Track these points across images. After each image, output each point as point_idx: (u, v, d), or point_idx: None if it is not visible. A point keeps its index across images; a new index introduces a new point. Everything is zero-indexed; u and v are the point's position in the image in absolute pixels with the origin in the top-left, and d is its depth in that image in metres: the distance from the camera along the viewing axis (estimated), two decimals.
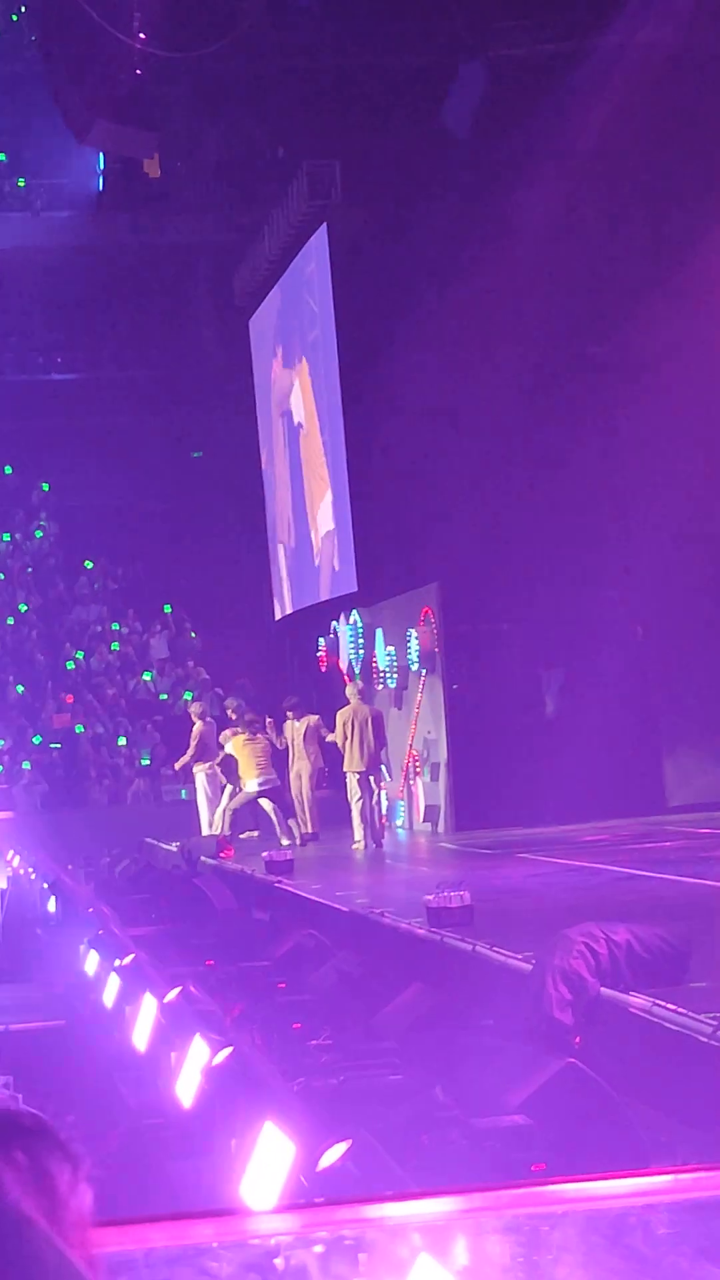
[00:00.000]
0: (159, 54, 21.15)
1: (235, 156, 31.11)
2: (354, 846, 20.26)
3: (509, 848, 17.81)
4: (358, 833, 20.35)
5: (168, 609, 32.12)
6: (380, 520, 23.59)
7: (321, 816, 21.83)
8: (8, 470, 34.35)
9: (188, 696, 29.92)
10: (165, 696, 30.70)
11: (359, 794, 20.34)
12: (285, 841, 20.85)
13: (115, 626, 32.19)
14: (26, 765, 28.68)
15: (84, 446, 33.15)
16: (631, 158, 20.77)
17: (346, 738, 20.23)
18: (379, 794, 21.02)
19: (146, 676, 31.05)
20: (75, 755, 29.16)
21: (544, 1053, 6.98)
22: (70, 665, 31.09)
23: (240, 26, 22.25)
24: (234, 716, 22.29)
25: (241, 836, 21.37)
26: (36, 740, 29.39)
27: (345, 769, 20.41)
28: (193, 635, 32.04)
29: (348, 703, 20.86)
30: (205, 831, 22.00)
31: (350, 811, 20.60)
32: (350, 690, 21.44)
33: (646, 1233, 1.82)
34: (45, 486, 34.43)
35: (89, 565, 33.45)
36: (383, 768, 21.44)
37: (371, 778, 20.49)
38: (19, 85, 29.91)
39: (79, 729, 29.48)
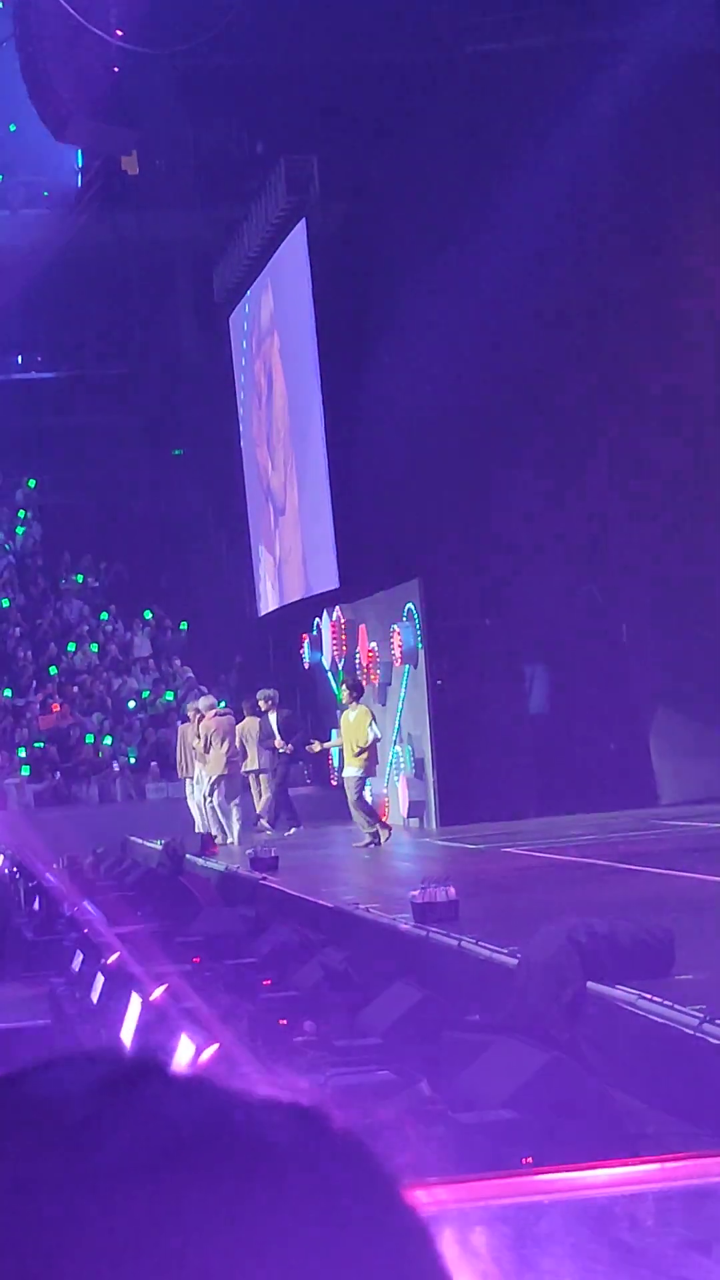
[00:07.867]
0: (137, 50, 21.12)
1: (214, 153, 31.03)
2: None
3: (494, 842, 17.81)
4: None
5: (148, 614, 32.03)
6: (362, 517, 23.56)
7: (304, 814, 21.96)
8: None
9: (168, 696, 29.85)
10: (148, 694, 30.66)
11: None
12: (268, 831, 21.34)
13: (103, 617, 32.12)
14: (26, 771, 28.59)
15: (65, 445, 33.05)
16: (613, 152, 20.75)
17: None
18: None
19: (133, 680, 31.01)
20: (62, 754, 29.08)
21: (530, 1046, 6.97)
22: (53, 670, 30.98)
23: (218, 23, 22.19)
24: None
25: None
26: (22, 751, 29.29)
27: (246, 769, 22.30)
28: (182, 625, 31.98)
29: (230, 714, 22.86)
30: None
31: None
32: (205, 703, 23.13)
33: (632, 1222, 1.81)
34: (31, 483, 34.30)
35: (71, 563, 33.36)
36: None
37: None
38: None
39: (86, 736, 29.40)
